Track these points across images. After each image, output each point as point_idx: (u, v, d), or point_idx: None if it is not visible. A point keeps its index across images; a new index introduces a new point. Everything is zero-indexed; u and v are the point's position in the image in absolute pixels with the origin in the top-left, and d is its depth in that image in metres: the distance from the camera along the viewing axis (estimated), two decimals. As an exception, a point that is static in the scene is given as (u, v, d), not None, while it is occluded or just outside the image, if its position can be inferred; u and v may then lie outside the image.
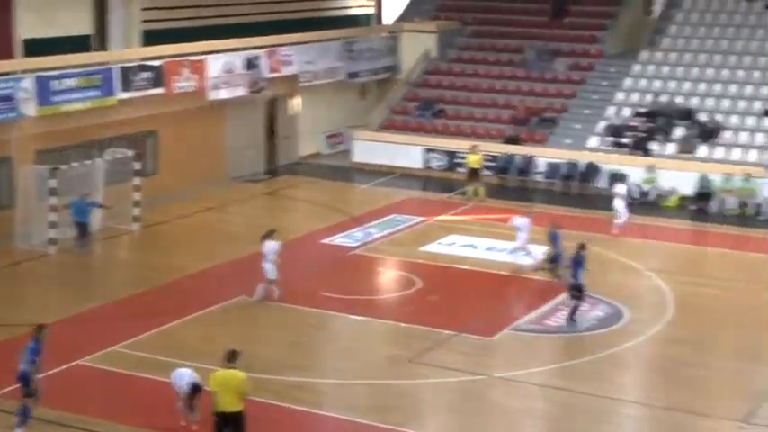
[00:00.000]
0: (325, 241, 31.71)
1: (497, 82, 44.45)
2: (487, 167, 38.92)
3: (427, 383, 21.89)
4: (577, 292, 25.12)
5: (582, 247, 25.49)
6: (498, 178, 39.60)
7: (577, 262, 25.15)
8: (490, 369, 22.61)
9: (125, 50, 37.85)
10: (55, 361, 21.50)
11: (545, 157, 39.59)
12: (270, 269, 25.98)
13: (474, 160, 37.64)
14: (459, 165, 39.72)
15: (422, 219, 34.37)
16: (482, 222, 34.01)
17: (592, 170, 38.55)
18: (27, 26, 34.41)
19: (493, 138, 41.36)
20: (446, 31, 47.04)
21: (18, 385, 19.19)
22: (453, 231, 32.88)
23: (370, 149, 41.86)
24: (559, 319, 25.58)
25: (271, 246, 26.05)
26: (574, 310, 25.19)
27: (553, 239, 27.99)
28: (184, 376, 19.43)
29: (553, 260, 27.88)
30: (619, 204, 33.21)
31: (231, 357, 17.88)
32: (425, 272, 28.89)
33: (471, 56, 46.35)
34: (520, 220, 29.64)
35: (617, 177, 35.30)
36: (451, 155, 40.55)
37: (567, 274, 25.45)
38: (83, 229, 30.32)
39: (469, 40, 47.17)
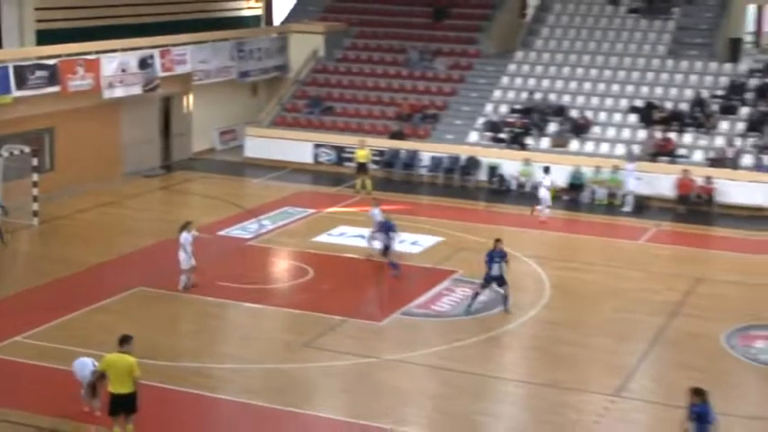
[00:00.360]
0: (222, 233, 31.58)
1: (382, 80, 44.72)
2: (374, 162, 39.20)
3: (320, 367, 21.99)
4: (500, 282, 25.49)
5: (498, 241, 25.72)
6: (385, 172, 39.85)
7: (492, 256, 25.41)
8: (380, 352, 22.82)
9: (19, 49, 37.13)
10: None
11: (428, 151, 39.97)
12: (184, 259, 25.91)
13: (362, 155, 37.86)
14: (348, 159, 39.96)
15: (313, 211, 34.45)
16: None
17: (472, 164, 39.10)
18: None
19: (379, 133, 41.60)
20: (333, 32, 47.10)
21: None
22: (343, 222, 33.02)
23: (262, 145, 41.81)
24: (445, 303, 25.97)
25: (185, 237, 25.97)
26: (505, 299, 25.60)
27: (385, 227, 28.11)
28: (87, 365, 19.28)
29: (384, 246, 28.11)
30: (544, 194, 34.07)
31: (123, 342, 17.96)
32: (317, 261, 28.97)
33: (357, 55, 46.52)
34: (374, 211, 29.97)
35: (545, 169, 35.74)
36: (340, 150, 40.74)
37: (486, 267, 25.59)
38: None
39: (355, 41, 47.33)
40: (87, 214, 33.67)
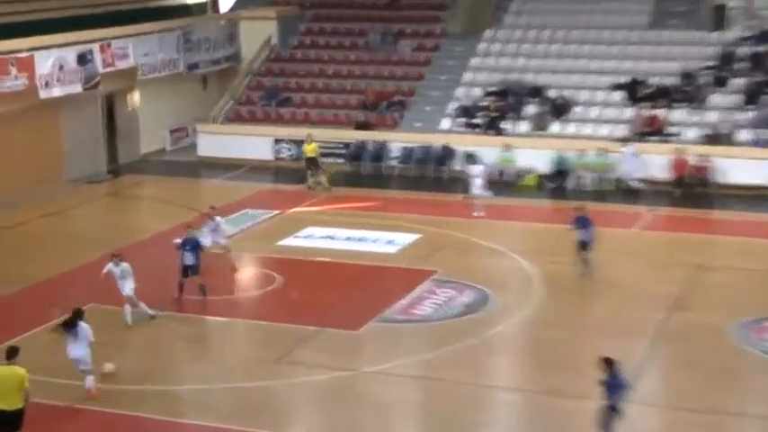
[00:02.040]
0: (177, 241, 30.81)
1: (343, 67, 44.29)
2: (339, 155, 38.88)
3: (293, 384, 21.53)
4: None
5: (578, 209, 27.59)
6: (351, 165, 39.42)
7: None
8: (358, 363, 22.41)
9: (-55, 49, 36.40)
10: None
11: (398, 141, 39.55)
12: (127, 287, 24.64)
13: (310, 149, 37.27)
14: (313, 153, 39.46)
15: (276, 212, 33.94)
16: (339, 212, 33.86)
17: (447, 153, 38.71)
18: None
19: (342, 124, 41.18)
20: (286, 16, 46.63)
21: None
22: (310, 223, 32.56)
23: (217, 143, 41.32)
24: (426, 307, 25.51)
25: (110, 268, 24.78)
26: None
27: (187, 246, 26.42)
28: None
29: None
30: (477, 186, 33.43)
31: (11, 354, 17.86)
32: (284, 267, 28.48)
33: (313, 41, 46.08)
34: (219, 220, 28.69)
35: (471, 159, 35.56)
36: (301, 144, 40.11)
37: None
38: None
39: (311, 25, 46.87)
40: (29, 227, 32.97)
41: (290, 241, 30.92)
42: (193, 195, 36.83)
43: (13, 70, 35.35)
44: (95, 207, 35.56)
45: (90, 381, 20.45)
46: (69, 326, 20.24)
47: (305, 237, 31.32)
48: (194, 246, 26.13)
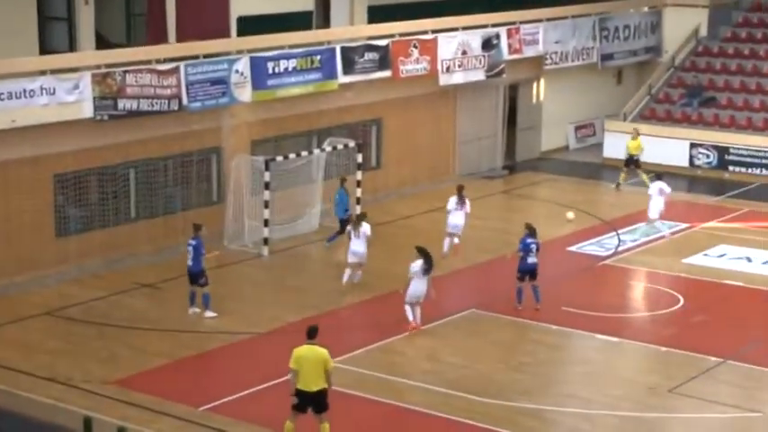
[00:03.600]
0: (571, 249, 31.34)
1: (782, 65, 43.16)
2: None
3: (688, 419, 21.34)
4: None
5: None
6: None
7: None
8: (767, 405, 21.74)
9: (348, 28, 38.05)
10: (262, 377, 22.16)
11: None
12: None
13: (634, 146, 37.66)
14: (733, 162, 38.69)
15: (686, 225, 33.66)
16: (762, 230, 33.14)
17: None
18: (243, 2, 34.36)
19: (774, 131, 40.20)
20: (719, 4, 45.70)
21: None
22: (724, 240, 32.03)
23: (625, 143, 41.06)
24: None
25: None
26: None
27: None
28: None
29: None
30: None
31: (312, 333, 19.04)
32: (689, 288, 28.22)
33: (749, 33, 45.00)
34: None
35: None
36: (723, 151, 39.52)
37: None
38: (343, 224, 30.74)
39: (749, 15, 45.78)
40: (414, 221, 34.22)
41: (698, 259, 30.55)
42: (593, 200, 36.96)
43: (415, 53, 36.64)
44: (486, 205, 36.11)
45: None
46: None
47: (716, 256, 30.81)
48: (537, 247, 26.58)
